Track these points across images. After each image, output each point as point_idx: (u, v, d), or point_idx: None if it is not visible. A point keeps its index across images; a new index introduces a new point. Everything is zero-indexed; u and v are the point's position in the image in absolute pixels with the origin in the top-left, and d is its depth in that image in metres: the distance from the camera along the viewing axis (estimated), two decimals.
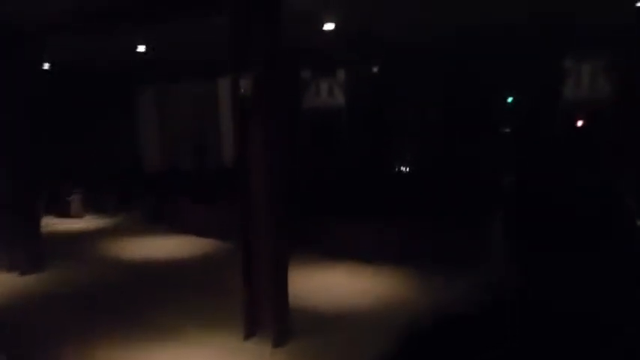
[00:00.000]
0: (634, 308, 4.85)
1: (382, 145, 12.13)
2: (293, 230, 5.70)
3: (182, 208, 11.00)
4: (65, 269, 8.00)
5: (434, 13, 7.75)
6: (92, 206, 13.39)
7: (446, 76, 10.76)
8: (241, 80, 4.86)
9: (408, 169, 11.91)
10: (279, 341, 4.87)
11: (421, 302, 6.05)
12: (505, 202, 5.91)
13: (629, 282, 5.32)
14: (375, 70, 11.94)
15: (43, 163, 10.56)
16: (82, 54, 10.67)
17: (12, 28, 7.20)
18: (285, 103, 8.49)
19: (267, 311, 4.97)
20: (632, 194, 7.48)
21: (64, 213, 12.67)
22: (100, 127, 14.67)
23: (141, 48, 9.86)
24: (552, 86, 10.03)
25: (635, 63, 9.19)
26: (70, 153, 13.92)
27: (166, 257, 8.72)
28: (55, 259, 8.32)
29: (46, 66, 11.89)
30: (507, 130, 10.74)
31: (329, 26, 8.39)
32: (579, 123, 10.38)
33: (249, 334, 5.04)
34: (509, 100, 10.70)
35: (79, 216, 12.74)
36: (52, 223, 12.00)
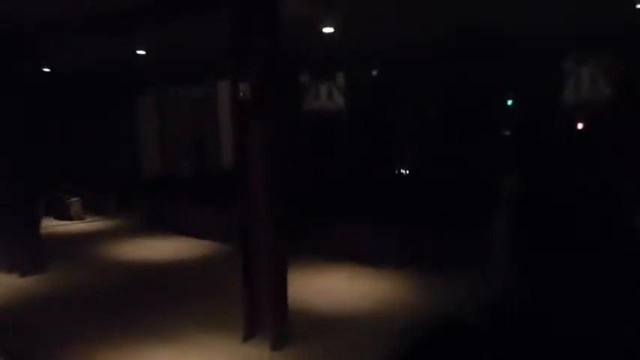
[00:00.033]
0: (634, 309, 4.86)
1: (382, 147, 12.14)
2: (293, 232, 5.71)
3: (182, 210, 11.01)
4: (65, 271, 8.00)
5: (434, 16, 7.78)
6: (92, 208, 13.41)
7: (445, 78, 10.77)
8: (241, 82, 4.88)
9: (408, 172, 11.90)
10: (277, 344, 4.86)
11: (421, 305, 6.05)
12: (505, 204, 5.91)
13: (629, 282, 5.32)
14: (374, 73, 11.96)
15: (43, 165, 10.59)
16: (82, 56, 10.70)
17: (12, 30, 7.23)
18: (285, 105, 8.52)
19: (267, 313, 4.96)
20: (633, 196, 7.49)
21: (65, 215, 12.68)
22: (100, 129, 14.72)
23: (140, 51, 9.89)
24: (552, 88, 10.03)
25: (635, 64, 9.18)
26: (71, 155, 13.97)
27: (166, 259, 8.73)
28: (55, 260, 8.33)
29: (47, 69, 11.92)
30: (507, 132, 10.75)
31: (328, 30, 8.41)
32: (580, 125, 10.38)
33: (248, 336, 5.04)
34: (510, 102, 10.71)
35: (79, 218, 12.75)
36: (53, 225, 12.02)
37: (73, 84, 13.70)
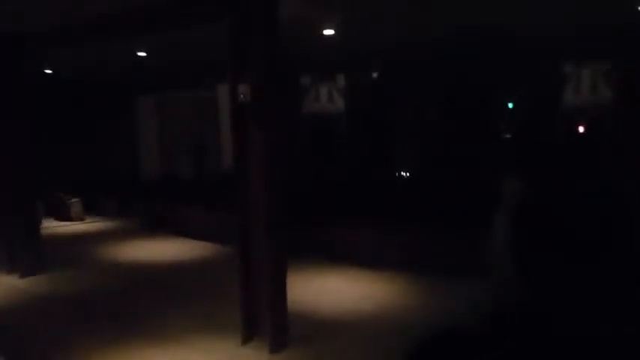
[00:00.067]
0: (635, 310, 4.85)
1: (382, 149, 12.12)
2: (292, 234, 5.70)
3: (182, 212, 11.02)
4: (66, 272, 8.01)
5: (434, 18, 7.78)
6: (93, 209, 13.43)
7: (446, 80, 10.76)
8: (241, 84, 4.88)
9: (408, 174, 11.89)
10: (276, 347, 4.86)
11: (421, 308, 6.04)
12: (506, 205, 5.90)
13: (631, 285, 5.31)
14: (374, 75, 11.95)
15: (44, 166, 10.60)
16: (82, 58, 10.73)
17: (13, 31, 7.25)
18: (285, 107, 8.52)
19: (266, 316, 4.96)
20: (634, 198, 7.48)
21: (65, 216, 12.70)
22: (101, 131, 14.75)
23: (141, 53, 9.92)
24: (553, 91, 10.02)
25: (636, 66, 9.15)
26: (71, 156, 13.99)
27: (166, 260, 8.73)
28: (55, 261, 8.34)
29: (48, 71, 11.96)
30: (508, 135, 10.73)
31: (329, 32, 8.42)
32: (581, 129, 10.36)
33: (246, 339, 5.04)
34: (510, 105, 10.70)
35: (79, 219, 12.77)
36: (53, 226, 12.04)
37: (73, 85, 13.74)
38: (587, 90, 9.85)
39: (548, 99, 10.08)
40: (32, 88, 8.29)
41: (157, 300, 6.60)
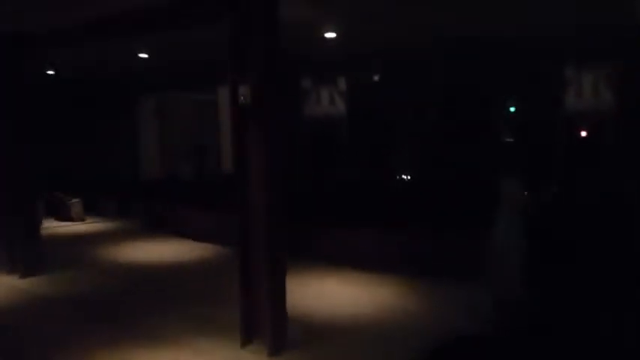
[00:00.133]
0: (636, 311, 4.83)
1: (382, 152, 12.10)
2: (292, 237, 5.68)
3: (182, 213, 11.01)
4: (66, 272, 7.99)
5: (434, 21, 7.77)
6: (93, 209, 13.43)
7: (448, 83, 10.74)
8: (241, 84, 4.86)
9: (409, 177, 11.86)
10: (275, 350, 4.83)
11: (421, 312, 6.01)
12: (506, 208, 5.88)
13: (632, 285, 5.29)
14: (375, 78, 11.93)
15: (44, 167, 10.60)
16: (83, 59, 10.73)
17: (14, 31, 7.25)
18: (285, 107, 8.51)
19: (265, 319, 4.93)
20: (635, 198, 7.45)
21: (65, 216, 12.69)
22: (101, 131, 14.75)
23: (142, 54, 9.92)
24: (555, 95, 9.99)
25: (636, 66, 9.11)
26: (72, 156, 13.99)
27: (166, 261, 8.72)
28: (55, 261, 8.33)
29: (49, 71, 11.96)
30: (509, 139, 10.71)
31: (330, 35, 8.40)
32: (583, 133, 10.33)
33: (245, 342, 5.02)
34: (512, 109, 10.69)
35: (79, 219, 12.77)
36: (53, 226, 12.04)
37: (74, 85, 13.74)
38: (589, 93, 9.82)
39: (550, 102, 10.05)
40: (32, 88, 8.27)
41: (157, 301, 6.58)
